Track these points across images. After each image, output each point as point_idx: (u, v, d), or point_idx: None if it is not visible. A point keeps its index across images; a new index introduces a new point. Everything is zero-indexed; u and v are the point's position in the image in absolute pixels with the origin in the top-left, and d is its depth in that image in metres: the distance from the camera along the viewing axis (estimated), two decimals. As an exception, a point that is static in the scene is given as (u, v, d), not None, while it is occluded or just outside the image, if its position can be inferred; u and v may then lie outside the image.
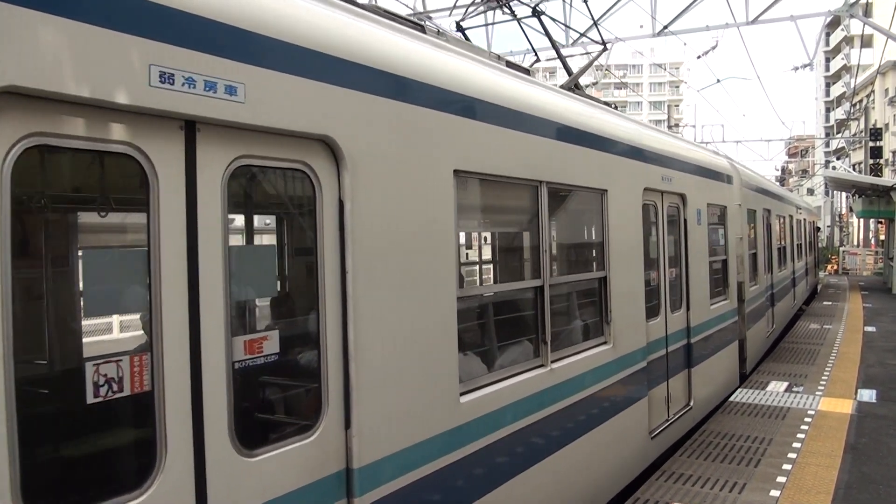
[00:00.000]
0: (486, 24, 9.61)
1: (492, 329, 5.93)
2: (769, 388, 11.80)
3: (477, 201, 5.44)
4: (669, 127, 48.61)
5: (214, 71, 3.02)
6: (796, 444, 8.62)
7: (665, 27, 19.40)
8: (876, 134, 47.30)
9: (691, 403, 9.30)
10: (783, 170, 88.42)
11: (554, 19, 11.46)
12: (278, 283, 4.49)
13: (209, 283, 3.06)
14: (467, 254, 8.61)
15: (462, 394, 4.60)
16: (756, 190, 15.25)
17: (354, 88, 3.77)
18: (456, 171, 4.56)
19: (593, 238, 7.02)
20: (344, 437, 3.70)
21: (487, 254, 8.51)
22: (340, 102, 3.68)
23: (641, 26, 23.83)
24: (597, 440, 6.50)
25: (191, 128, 3.01)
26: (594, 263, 7.03)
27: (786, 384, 12.04)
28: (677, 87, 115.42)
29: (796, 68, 23.54)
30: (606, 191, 6.78)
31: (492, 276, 8.50)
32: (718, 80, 31.40)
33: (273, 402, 3.89)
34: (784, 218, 19.82)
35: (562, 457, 5.86)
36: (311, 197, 3.60)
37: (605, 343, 6.80)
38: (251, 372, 3.40)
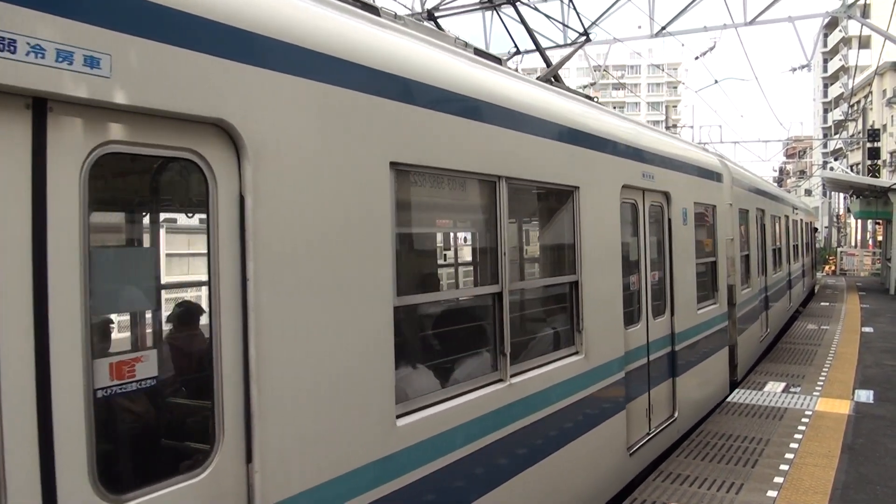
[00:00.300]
0: (458, 13, 9.20)
1: (442, 341, 5.45)
2: (766, 388, 11.77)
3: (421, 198, 4.85)
4: (668, 128, 48.58)
5: (70, 38, 2.48)
6: (794, 445, 8.58)
7: (663, 28, 19.40)
8: (874, 135, 47.42)
9: (676, 415, 8.89)
10: (781, 170, 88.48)
11: (549, 16, 11.46)
12: (157, 292, 3.85)
13: (61, 295, 2.50)
14: (445, 256, 8.31)
15: (399, 416, 4.01)
16: (749, 189, 14.64)
17: (260, 65, 3.22)
18: (393, 164, 4.02)
19: (563, 239, 6.51)
20: (245, 473, 3.12)
21: (440, 257, 8.14)
22: (241, 80, 3.12)
23: (640, 27, 23.84)
24: (565, 460, 5.92)
25: (40, 107, 2.47)
26: (564, 267, 6.49)
27: (783, 384, 12.01)
28: (675, 87, 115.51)
29: (794, 69, 23.56)
30: (578, 188, 6.33)
31: (444, 281, 8.10)
32: (716, 81, 31.44)
33: (150, 436, 3.39)
34: (779, 218, 19.24)
35: (523, 480, 5.27)
36: (204, 191, 3.02)
37: (576, 353, 6.22)
38: (120, 400, 2.86)
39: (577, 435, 6.14)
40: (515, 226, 6.26)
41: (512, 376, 5.19)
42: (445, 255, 8.48)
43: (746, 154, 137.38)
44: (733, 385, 11.95)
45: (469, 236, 6.98)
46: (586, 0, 10.89)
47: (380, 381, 3.88)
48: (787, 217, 20.94)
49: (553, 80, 7.38)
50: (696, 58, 27.61)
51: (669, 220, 8.77)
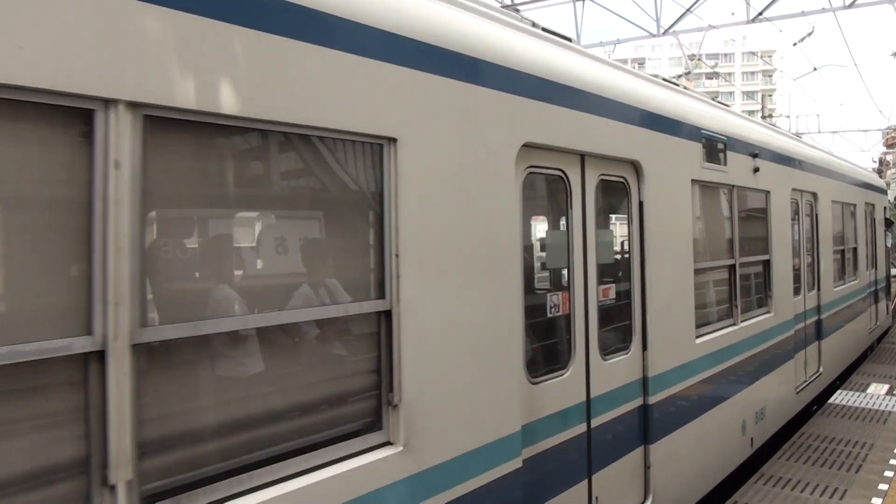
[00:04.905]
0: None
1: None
2: (870, 390, 11.39)
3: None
4: (763, 117, 46.84)
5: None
6: (899, 451, 8.31)
7: (759, 13, 18.76)
8: None
9: None
10: (881, 161, 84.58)
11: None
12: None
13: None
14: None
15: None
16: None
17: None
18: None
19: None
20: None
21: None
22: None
23: (733, 13, 23.12)
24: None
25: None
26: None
27: (887, 386, 11.61)
28: (770, 76, 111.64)
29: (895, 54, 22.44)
30: None
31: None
32: (815, 69, 30.26)
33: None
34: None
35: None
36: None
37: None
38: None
39: None
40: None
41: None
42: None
43: (846, 144, 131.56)
44: None
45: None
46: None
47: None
48: (730, 189, 8.31)
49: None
50: (794, 44, 26.65)
51: None
